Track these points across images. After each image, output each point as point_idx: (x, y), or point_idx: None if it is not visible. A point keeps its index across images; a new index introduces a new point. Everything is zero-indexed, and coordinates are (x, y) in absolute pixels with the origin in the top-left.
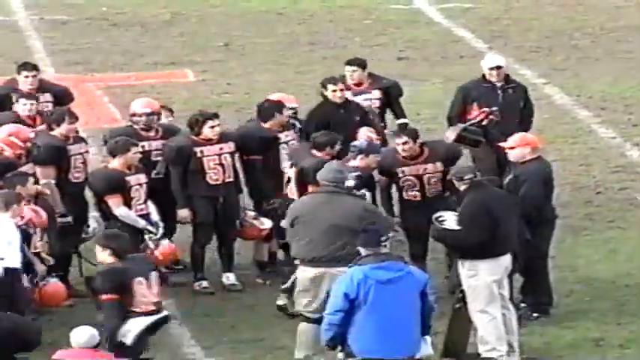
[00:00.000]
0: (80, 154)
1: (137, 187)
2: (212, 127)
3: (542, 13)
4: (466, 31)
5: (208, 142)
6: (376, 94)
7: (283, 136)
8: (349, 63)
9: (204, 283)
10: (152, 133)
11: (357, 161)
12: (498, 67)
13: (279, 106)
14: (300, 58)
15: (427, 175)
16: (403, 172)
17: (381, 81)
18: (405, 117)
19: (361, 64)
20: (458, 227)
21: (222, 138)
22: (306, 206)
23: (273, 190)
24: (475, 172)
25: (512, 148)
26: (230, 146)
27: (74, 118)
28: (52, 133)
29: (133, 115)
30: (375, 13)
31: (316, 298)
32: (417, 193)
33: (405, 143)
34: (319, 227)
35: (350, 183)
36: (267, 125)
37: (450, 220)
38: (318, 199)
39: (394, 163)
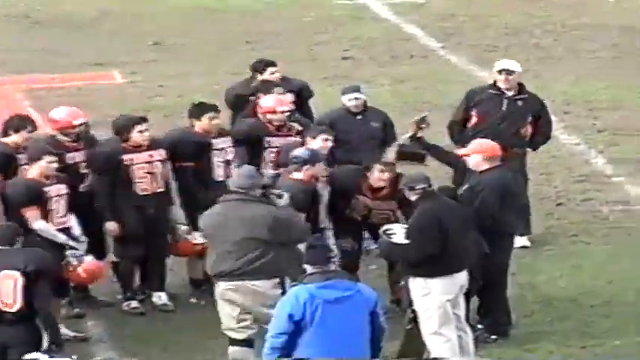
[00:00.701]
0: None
1: (57, 198)
2: (141, 131)
3: (500, 9)
4: (417, 28)
5: (137, 148)
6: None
7: (220, 142)
8: (272, 64)
9: (134, 303)
10: (78, 144)
11: (302, 173)
12: (508, 72)
13: (208, 107)
14: (237, 59)
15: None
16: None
17: (292, 83)
18: (312, 120)
19: (276, 63)
20: (406, 241)
21: (153, 144)
22: (214, 217)
23: (206, 200)
24: (428, 181)
25: (467, 155)
26: (161, 153)
27: (35, 127)
28: (4, 139)
29: (65, 127)
30: (317, 9)
31: (234, 317)
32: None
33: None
34: (229, 239)
35: (283, 202)
36: (199, 129)
37: (398, 233)
38: (226, 208)
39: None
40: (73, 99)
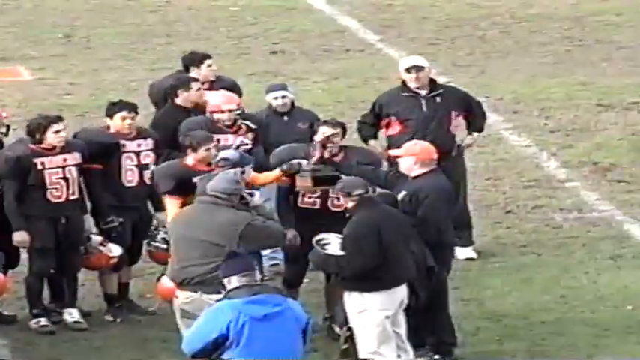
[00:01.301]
0: None
1: None
2: (57, 131)
3: None
4: (352, 19)
5: (51, 151)
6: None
7: (134, 145)
8: (208, 57)
9: (43, 321)
10: None
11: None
12: (418, 69)
13: (122, 105)
14: (154, 53)
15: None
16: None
17: (222, 79)
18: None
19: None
20: (342, 252)
21: (67, 147)
22: (180, 221)
23: (113, 206)
24: (367, 187)
25: (399, 157)
26: (75, 157)
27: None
28: None
29: None
30: None
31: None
32: (317, 200)
33: (335, 135)
34: (191, 244)
35: (256, 200)
36: (113, 130)
37: (333, 243)
38: (198, 211)
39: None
40: None
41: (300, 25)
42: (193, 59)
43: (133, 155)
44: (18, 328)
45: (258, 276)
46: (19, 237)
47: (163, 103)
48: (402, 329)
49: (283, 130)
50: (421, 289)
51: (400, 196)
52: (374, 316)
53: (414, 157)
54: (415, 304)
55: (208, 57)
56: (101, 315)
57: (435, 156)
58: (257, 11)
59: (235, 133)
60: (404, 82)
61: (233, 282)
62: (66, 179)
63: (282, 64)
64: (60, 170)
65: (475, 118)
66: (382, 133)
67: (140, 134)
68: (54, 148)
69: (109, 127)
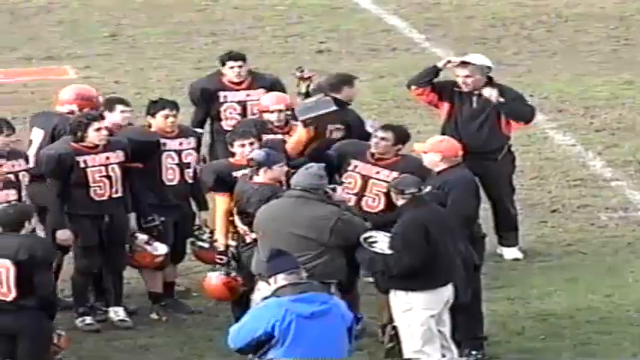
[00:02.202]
0: (14, 172)
1: (5, 205)
2: (98, 129)
3: None
4: (398, 19)
5: (93, 149)
6: (260, 93)
7: (175, 143)
8: (233, 58)
9: (88, 319)
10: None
11: (261, 176)
12: (466, 75)
13: (163, 104)
14: (199, 52)
15: (375, 180)
16: (355, 166)
17: (264, 78)
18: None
19: (245, 58)
20: (389, 251)
21: (110, 145)
22: (268, 214)
23: (154, 205)
24: (420, 186)
25: (425, 152)
26: (118, 155)
27: (12, 130)
28: None
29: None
30: None
31: None
32: (352, 196)
33: (383, 139)
34: (280, 238)
35: (338, 195)
36: (155, 128)
37: (381, 241)
38: (287, 204)
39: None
40: (20, 96)
41: (346, 24)
42: (222, 58)
43: (174, 154)
44: (63, 327)
45: (304, 274)
46: (63, 235)
47: (203, 103)
48: (447, 328)
49: None
50: (465, 288)
51: (425, 191)
52: (419, 315)
53: (439, 154)
54: (459, 302)
55: (234, 58)
56: (146, 313)
57: (461, 153)
58: (303, 10)
59: (287, 133)
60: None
61: (279, 280)
62: (109, 177)
63: (328, 63)
64: (102, 168)
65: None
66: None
67: (182, 133)
68: (96, 146)
69: (150, 126)
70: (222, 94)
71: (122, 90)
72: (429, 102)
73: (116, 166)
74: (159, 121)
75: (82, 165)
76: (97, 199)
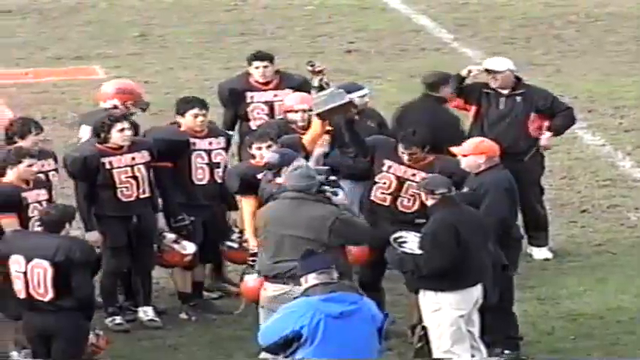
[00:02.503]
0: (44, 172)
1: (36, 205)
2: (121, 130)
3: None
4: (427, 18)
5: (118, 150)
6: (288, 93)
7: (205, 143)
8: (259, 58)
9: (118, 319)
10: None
11: (283, 177)
12: (495, 72)
13: (193, 102)
14: (229, 52)
15: (411, 182)
16: (390, 167)
17: (292, 78)
18: None
19: (272, 58)
20: (419, 251)
21: (135, 146)
22: (267, 216)
23: (183, 204)
24: (450, 186)
25: (464, 155)
26: (144, 155)
27: (40, 129)
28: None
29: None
30: None
31: None
32: (388, 196)
33: (411, 154)
34: (281, 240)
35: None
36: (184, 127)
37: (411, 242)
38: (284, 206)
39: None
40: (50, 96)
41: (375, 24)
42: (249, 58)
43: (203, 153)
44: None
45: (335, 274)
46: (92, 237)
47: (231, 104)
48: (476, 329)
49: (360, 129)
50: (493, 288)
51: (461, 192)
52: (448, 315)
53: (483, 155)
54: (487, 302)
55: (260, 58)
56: (176, 313)
57: (498, 153)
58: (332, 10)
59: None
60: (485, 82)
61: (310, 280)
62: (135, 177)
63: (357, 63)
64: (128, 169)
65: (556, 120)
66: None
67: (212, 132)
68: (121, 147)
69: (179, 125)
70: (249, 94)
71: (152, 89)
72: (456, 107)
73: (142, 167)
74: (188, 120)
75: (108, 166)
76: (124, 199)
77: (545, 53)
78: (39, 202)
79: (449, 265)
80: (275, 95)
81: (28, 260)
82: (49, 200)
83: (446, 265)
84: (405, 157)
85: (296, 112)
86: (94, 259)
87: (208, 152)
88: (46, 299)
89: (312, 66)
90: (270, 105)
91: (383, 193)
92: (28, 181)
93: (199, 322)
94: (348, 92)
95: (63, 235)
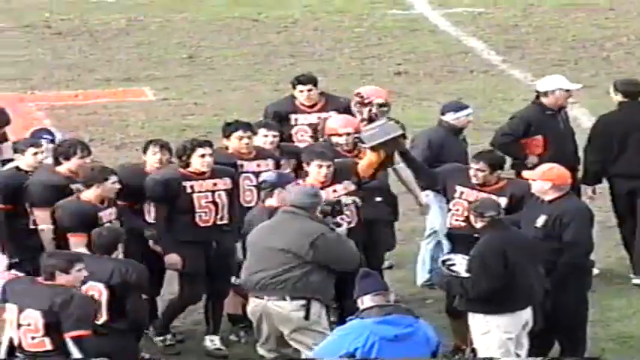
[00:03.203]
0: None
1: (107, 224)
2: (202, 155)
3: (566, 19)
4: (477, 40)
5: (200, 175)
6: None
7: (252, 165)
8: (303, 82)
9: (169, 337)
10: None
11: (274, 199)
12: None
13: (238, 125)
14: (278, 74)
15: None
16: (462, 193)
17: (338, 100)
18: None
19: (315, 81)
20: (467, 274)
21: (216, 172)
22: (261, 228)
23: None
24: (499, 209)
25: (533, 180)
26: (226, 182)
27: (87, 151)
28: (58, 168)
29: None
30: (368, 19)
31: (262, 335)
32: (462, 223)
33: (478, 170)
34: (263, 251)
35: (342, 231)
36: (232, 150)
37: (459, 264)
38: (277, 220)
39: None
40: (98, 118)
41: (424, 45)
42: (293, 82)
43: (251, 176)
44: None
45: (392, 296)
46: (171, 259)
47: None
48: (524, 351)
49: (460, 147)
50: (539, 314)
51: (540, 221)
52: (497, 337)
53: (549, 182)
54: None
55: (305, 82)
56: (225, 335)
57: (570, 180)
58: (381, 32)
59: (356, 157)
60: (539, 101)
61: (366, 302)
62: (215, 203)
63: (406, 85)
64: (209, 194)
65: None
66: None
67: (259, 154)
68: (203, 172)
69: (227, 148)
70: (293, 116)
71: (200, 111)
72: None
73: (223, 193)
74: (234, 143)
75: (189, 190)
76: (202, 225)
77: (593, 75)
78: (110, 222)
79: (496, 287)
80: (319, 118)
81: (82, 283)
82: (119, 219)
83: (494, 288)
84: (474, 176)
85: (340, 135)
86: (147, 281)
87: (257, 174)
88: (100, 322)
89: (360, 97)
90: (315, 127)
91: (457, 220)
92: (104, 200)
93: (249, 343)
94: (455, 111)
95: (118, 259)
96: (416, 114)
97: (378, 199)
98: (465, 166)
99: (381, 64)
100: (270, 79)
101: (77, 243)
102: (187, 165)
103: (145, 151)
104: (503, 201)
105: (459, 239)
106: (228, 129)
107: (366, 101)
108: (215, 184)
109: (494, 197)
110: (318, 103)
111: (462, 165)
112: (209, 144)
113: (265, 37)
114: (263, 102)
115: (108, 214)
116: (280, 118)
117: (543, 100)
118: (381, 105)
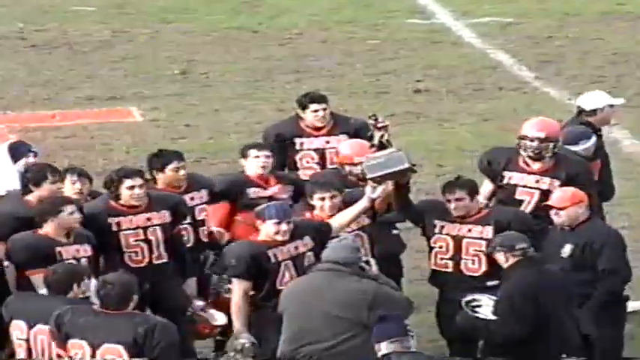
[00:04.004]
0: None
1: (73, 261)
2: (131, 187)
3: (606, 31)
4: (505, 54)
5: (130, 209)
6: (341, 140)
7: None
8: (317, 100)
9: None
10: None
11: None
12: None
13: (253, 145)
14: (282, 91)
15: (469, 239)
16: (442, 227)
17: (348, 122)
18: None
19: (327, 100)
20: (493, 317)
21: (154, 205)
22: (294, 290)
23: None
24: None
25: (563, 208)
26: (163, 216)
27: (57, 176)
28: (27, 197)
29: None
30: (383, 30)
31: None
32: (449, 262)
33: (458, 200)
34: (311, 320)
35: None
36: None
37: (485, 305)
38: (316, 280)
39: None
40: (78, 141)
41: (447, 60)
42: (302, 101)
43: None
44: None
45: (410, 343)
46: None
47: (278, 150)
48: None
49: None
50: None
51: (567, 251)
52: None
53: (582, 204)
54: None
55: (318, 100)
56: None
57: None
58: (398, 45)
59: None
60: (587, 121)
61: (383, 348)
62: (148, 241)
63: (427, 104)
64: (140, 231)
65: None
66: None
67: (277, 179)
68: (134, 206)
69: (243, 171)
70: (298, 140)
71: (193, 134)
72: None
73: (158, 228)
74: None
75: (115, 228)
76: (133, 265)
77: (637, 93)
78: (77, 259)
79: (525, 332)
80: (327, 142)
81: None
82: (94, 258)
83: (522, 332)
84: (455, 208)
85: (355, 165)
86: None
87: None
88: None
89: (375, 120)
90: (321, 153)
91: (443, 258)
92: (69, 234)
93: None
94: (575, 144)
95: (134, 314)
96: (437, 137)
97: (395, 231)
98: (439, 200)
99: (398, 80)
100: (273, 98)
101: (38, 281)
102: (118, 197)
103: (62, 179)
104: (489, 230)
105: (447, 284)
106: (245, 150)
107: (380, 125)
108: (149, 219)
109: (480, 228)
110: (326, 126)
111: (436, 199)
112: (139, 174)
113: (266, 50)
114: (264, 123)
115: (73, 250)
116: (284, 142)
117: (589, 119)
118: (542, 140)
